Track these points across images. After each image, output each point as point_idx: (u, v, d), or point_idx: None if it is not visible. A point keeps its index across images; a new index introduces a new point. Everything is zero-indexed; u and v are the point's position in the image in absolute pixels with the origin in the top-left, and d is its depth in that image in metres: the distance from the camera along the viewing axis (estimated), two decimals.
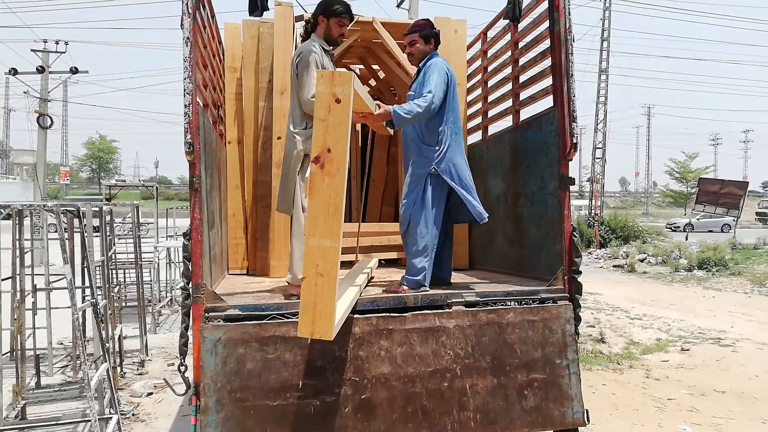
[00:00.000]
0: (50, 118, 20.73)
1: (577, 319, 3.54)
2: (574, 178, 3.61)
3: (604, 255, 21.68)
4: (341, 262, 2.75)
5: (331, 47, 3.72)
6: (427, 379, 3.23)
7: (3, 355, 4.55)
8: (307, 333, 2.62)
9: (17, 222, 4.77)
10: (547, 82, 3.86)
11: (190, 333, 3.19)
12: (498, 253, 4.64)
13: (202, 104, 3.59)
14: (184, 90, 3.04)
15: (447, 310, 3.39)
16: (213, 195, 3.76)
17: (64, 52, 22.33)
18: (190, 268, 3.13)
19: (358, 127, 6.24)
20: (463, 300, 3.44)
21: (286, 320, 3.20)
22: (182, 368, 3.23)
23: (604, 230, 24.44)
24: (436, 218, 3.76)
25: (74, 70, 22.07)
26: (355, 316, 3.27)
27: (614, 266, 19.09)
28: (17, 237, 4.79)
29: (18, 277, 4.72)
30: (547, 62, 3.84)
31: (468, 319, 3.37)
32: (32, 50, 21.50)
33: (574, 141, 3.48)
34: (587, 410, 3.42)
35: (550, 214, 3.77)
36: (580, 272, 3.56)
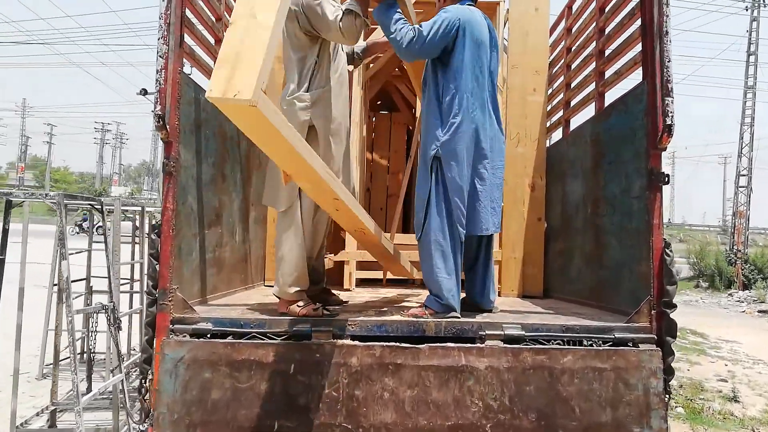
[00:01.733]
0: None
1: (668, 372, 2.51)
2: (667, 175, 2.62)
3: (747, 298, 18.80)
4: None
5: None
6: None
7: (62, 360, 4.34)
8: (219, 92, 1.71)
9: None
10: (637, 50, 2.91)
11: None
12: (575, 278, 3.66)
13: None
14: (157, 52, 2.53)
15: (479, 344, 2.54)
16: (217, 186, 3.22)
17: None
18: (157, 268, 2.58)
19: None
20: (501, 333, 2.57)
21: (266, 341, 2.54)
22: (143, 390, 2.66)
23: (748, 269, 21.28)
24: (457, 219, 2.92)
25: None
26: (355, 342, 2.53)
27: (759, 311, 16.37)
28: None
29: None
30: (636, 25, 2.90)
31: (507, 360, 2.49)
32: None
33: (668, 122, 2.51)
34: None
35: (635, 223, 2.79)
36: (675, 306, 2.54)
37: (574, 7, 4.13)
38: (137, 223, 5.58)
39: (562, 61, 4.24)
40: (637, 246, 2.75)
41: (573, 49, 3.93)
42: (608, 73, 3.34)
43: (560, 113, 4.23)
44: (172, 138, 2.60)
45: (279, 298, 2.85)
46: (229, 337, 2.59)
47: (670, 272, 2.55)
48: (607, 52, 3.36)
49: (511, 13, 4.26)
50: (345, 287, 4.21)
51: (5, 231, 3.99)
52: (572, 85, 3.90)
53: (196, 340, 2.52)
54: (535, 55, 4.27)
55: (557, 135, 4.36)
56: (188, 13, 2.86)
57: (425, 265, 2.98)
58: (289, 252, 2.85)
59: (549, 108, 4.36)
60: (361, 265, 4.59)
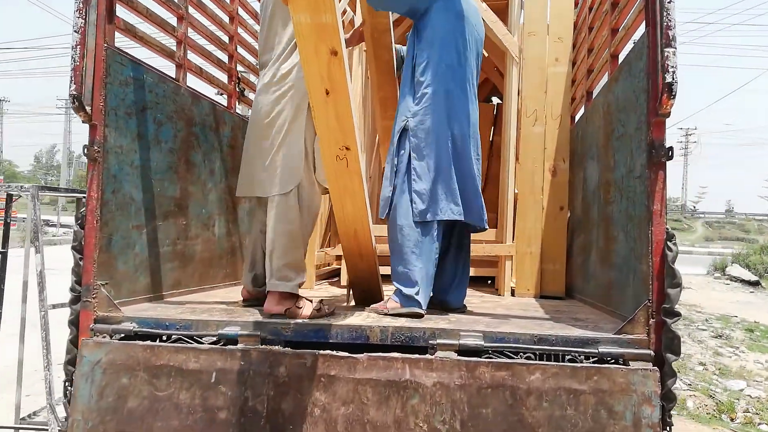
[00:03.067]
0: None
1: (668, 399, 1.97)
2: (670, 148, 2.06)
3: None
4: None
5: None
6: None
7: None
8: None
9: None
10: None
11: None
12: (591, 277, 3.10)
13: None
14: (72, 26, 2.31)
15: (426, 356, 2.11)
16: (178, 174, 2.99)
17: None
18: (80, 263, 2.37)
19: None
20: (456, 343, 2.13)
21: (187, 345, 2.26)
22: (67, 394, 2.46)
23: None
24: (430, 200, 2.59)
25: None
26: (285, 350, 2.20)
27: None
28: None
29: None
30: None
31: (460, 375, 2.05)
32: None
33: (668, 80, 1.95)
34: None
35: (637, 210, 2.24)
36: (678, 314, 1.99)
37: None
38: None
39: (583, 22, 3.63)
40: (638, 238, 2.20)
41: (594, 7, 3.33)
42: (621, 30, 2.75)
43: (583, 85, 3.63)
44: (96, 121, 2.38)
45: (269, 292, 2.49)
46: (157, 340, 2.35)
47: (673, 271, 2.00)
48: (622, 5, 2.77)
49: None
50: (342, 284, 3.88)
51: (6, 224, 4.01)
52: (593, 50, 3.31)
53: (116, 342, 2.29)
54: (559, 20, 3.72)
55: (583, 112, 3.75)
56: None
57: (390, 251, 2.66)
58: (287, 238, 2.51)
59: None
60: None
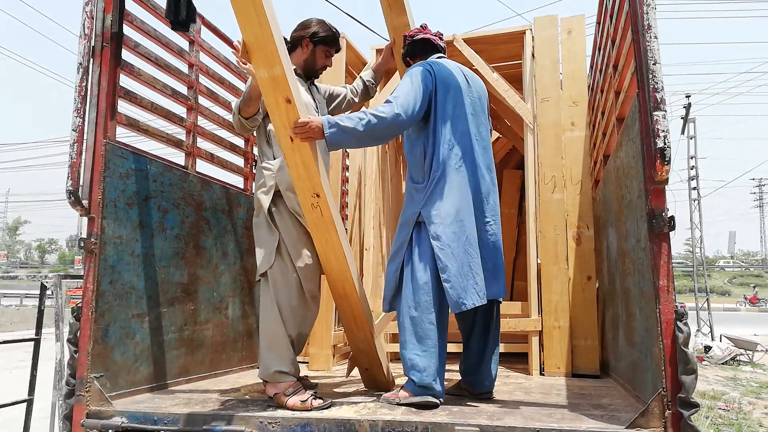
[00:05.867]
0: None
1: None
2: (671, 218, 1.88)
3: None
4: None
5: (309, 78, 2.82)
6: None
7: None
8: None
9: None
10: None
11: None
12: (621, 354, 2.83)
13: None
14: (71, 125, 2.42)
15: None
16: (186, 259, 3.00)
17: None
18: (75, 356, 2.37)
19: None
20: None
21: None
22: None
23: None
24: (434, 292, 2.41)
25: None
26: None
27: None
28: None
29: None
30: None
31: None
32: None
33: (659, 145, 1.81)
34: None
35: (646, 286, 2.04)
36: (696, 405, 1.74)
37: (604, 20, 3.45)
38: None
39: (596, 85, 3.52)
40: (650, 317, 1.99)
41: (602, 70, 3.23)
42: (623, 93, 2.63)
43: (602, 148, 3.48)
44: (93, 213, 2.44)
45: (265, 382, 2.51)
46: None
47: (686, 355, 1.77)
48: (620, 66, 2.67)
49: (537, 39, 3.69)
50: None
51: (40, 312, 4.14)
52: (605, 113, 3.18)
53: None
54: (572, 84, 3.63)
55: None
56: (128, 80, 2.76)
57: (400, 340, 2.51)
58: (266, 325, 2.54)
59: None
60: (393, 338, 4.10)
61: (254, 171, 3.90)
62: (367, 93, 3.19)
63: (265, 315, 2.56)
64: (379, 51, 4.03)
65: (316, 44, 2.78)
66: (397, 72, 3.47)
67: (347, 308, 2.60)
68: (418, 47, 2.76)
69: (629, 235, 2.37)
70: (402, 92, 2.40)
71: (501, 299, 2.66)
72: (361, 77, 3.19)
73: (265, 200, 2.62)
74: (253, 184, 2.86)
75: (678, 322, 1.82)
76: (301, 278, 2.54)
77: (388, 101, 2.38)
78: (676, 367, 1.80)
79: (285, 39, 2.80)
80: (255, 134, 2.81)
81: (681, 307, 1.85)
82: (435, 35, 2.77)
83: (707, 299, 16.65)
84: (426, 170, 2.50)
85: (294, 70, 2.65)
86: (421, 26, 2.81)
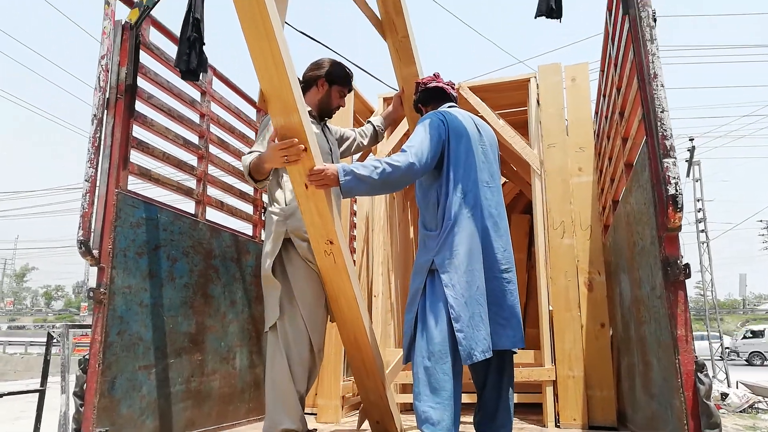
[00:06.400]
0: None
1: None
2: (687, 265, 1.85)
3: None
4: None
5: (323, 118, 2.87)
6: None
7: None
8: None
9: None
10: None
11: None
12: (638, 406, 2.75)
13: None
14: (84, 176, 2.45)
15: None
16: (194, 309, 2.98)
17: None
18: (81, 409, 2.33)
19: None
20: None
21: None
22: None
23: None
24: (448, 342, 2.36)
25: None
26: None
27: None
28: None
29: None
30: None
31: None
32: None
33: (671, 192, 1.80)
34: None
35: (663, 335, 1.99)
36: None
37: (608, 68, 3.50)
38: None
39: (603, 130, 3.55)
40: (669, 368, 1.94)
41: (608, 116, 3.26)
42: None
43: (610, 193, 3.47)
44: (104, 263, 2.44)
45: None
46: None
47: (708, 408, 1.72)
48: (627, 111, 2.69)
49: (542, 87, 3.74)
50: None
51: (46, 362, 4.09)
52: (612, 159, 3.19)
53: None
54: (578, 130, 3.67)
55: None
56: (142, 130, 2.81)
57: (414, 391, 2.43)
58: (274, 380, 2.50)
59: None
60: (404, 388, 4.02)
61: (263, 218, 3.92)
62: (376, 138, 3.24)
63: (273, 369, 2.52)
64: (386, 99, 4.11)
65: (331, 84, 2.82)
66: (405, 120, 3.52)
67: (358, 357, 2.56)
68: (431, 95, 2.80)
69: (643, 282, 2.33)
70: (416, 141, 2.42)
71: (517, 349, 2.61)
72: (371, 122, 3.24)
73: (275, 247, 2.62)
74: (262, 230, 2.85)
75: (699, 374, 1.77)
76: (309, 330, 2.51)
77: (402, 150, 2.40)
78: (698, 421, 1.74)
79: (298, 79, 2.86)
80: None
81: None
82: (447, 84, 2.82)
83: (721, 344, 16.32)
84: (439, 218, 2.49)
85: (309, 111, 2.70)
86: (434, 74, 2.86)
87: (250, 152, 2.62)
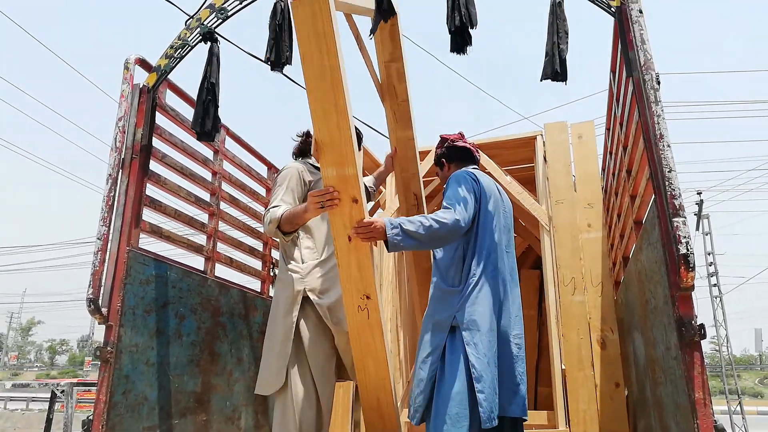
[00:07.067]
0: None
1: None
2: (701, 326, 1.83)
3: None
4: None
5: None
6: None
7: None
8: None
9: None
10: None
11: None
12: None
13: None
14: (96, 234, 2.47)
15: None
16: (200, 367, 2.94)
17: None
18: None
19: None
20: None
21: None
22: None
23: None
24: (468, 403, 2.29)
25: None
26: None
27: None
28: None
29: None
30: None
31: None
32: None
33: (682, 251, 1.80)
34: None
35: (680, 398, 1.94)
36: None
37: (614, 126, 3.56)
38: None
39: (610, 187, 3.58)
40: (687, 431, 1.88)
41: (615, 173, 3.29)
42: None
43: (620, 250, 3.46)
44: (112, 321, 2.43)
45: None
46: None
47: None
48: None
49: (548, 144, 3.80)
50: None
51: (49, 420, 4.02)
52: (621, 216, 3.20)
53: None
54: (586, 187, 3.70)
55: None
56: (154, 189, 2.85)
57: None
58: None
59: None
60: None
61: (272, 274, 3.91)
62: (369, 198, 3.25)
63: None
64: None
65: None
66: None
67: (377, 421, 2.46)
68: (458, 154, 2.86)
69: (657, 342, 2.29)
70: (459, 199, 2.46)
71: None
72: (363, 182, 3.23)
73: (295, 306, 2.56)
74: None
75: None
76: (318, 392, 2.46)
77: (445, 207, 2.44)
78: None
79: (308, 133, 2.91)
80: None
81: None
82: (472, 146, 2.89)
83: (740, 402, 15.81)
84: (464, 274, 2.50)
85: (314, 165, 2.74)
86: (459, 134, 2.94)
87: (276, 206, 2.61)
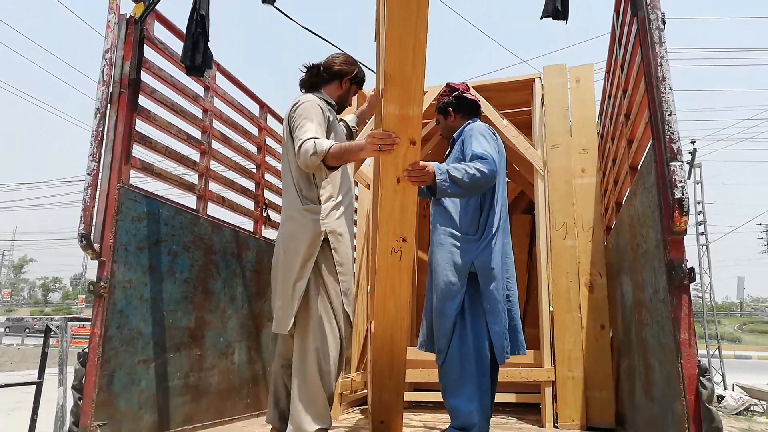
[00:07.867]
0: None
1: None
2: (691, 269, 1.85)
3: None
4: None
5: (339, 113, 2.83)
6: None
7: None
8: None
9: None
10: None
11: None
12: (638, 408, 2.75)
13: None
14: (86, 169, 2.43)
15: None
16: (193, 304, 2.97)
17: None
18: (79, 403, 2.32)
19: None
20: None
21: None
22: None
23: None
24: (486, 342, 2.55)
25: None
26: None
27: None
28: None
29: None
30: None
31: None
32: None
33: (677, 195, 1.80)
34: None
35: (665, 338, 1.99)
36: None
37: (614, 69, 3.49)
38: None
39: (607, 132, 3.54)
40: (671, 372, 1.94)
41: (613, 118, 3.25)
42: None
43: (614, 195, 3.47)
44: (105, 257, 2.43)
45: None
46: None
47: (710, 413, 1.72)
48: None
49: (546, 87, 3.73)
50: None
51: (44, 354, 4.08)
52: (616, 161, 3.19)
53: None
54: (582, 132, 3.66)
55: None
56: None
57: (446, 392, 2.58)
58: (307, 383, 2.38)
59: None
60: (415, 386, 4.05)
61: (264, 214, 3.90)
62: (351, 137, 3.06)
63: (308, 371, 2.39)
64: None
65: (352, 83, 2.78)
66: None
67: (386, 357, 2.52)
68: (467, 106, 2.88)
69: (646, 285, 2.33)
70: (490, 150, 2.51)
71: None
72: (344, 120, 3.03)
73: (315, 248, 2.46)
74: (285, 228, 2.61)
75: (701, 378, 1.76)
76: (340, 329, 2.47)
77: (482, 157, 2.44)
78: (700, 426, 1.74)
79: (320, 67, 2.76)
80: (289, 176, 2.61)
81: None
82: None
83: (718, 346, 16.36)
84: (482, 224, 2.62)
85: (328, 101, 2.65)
86: (465, 84, 2.99)
87: (316, 137, 2.41)
